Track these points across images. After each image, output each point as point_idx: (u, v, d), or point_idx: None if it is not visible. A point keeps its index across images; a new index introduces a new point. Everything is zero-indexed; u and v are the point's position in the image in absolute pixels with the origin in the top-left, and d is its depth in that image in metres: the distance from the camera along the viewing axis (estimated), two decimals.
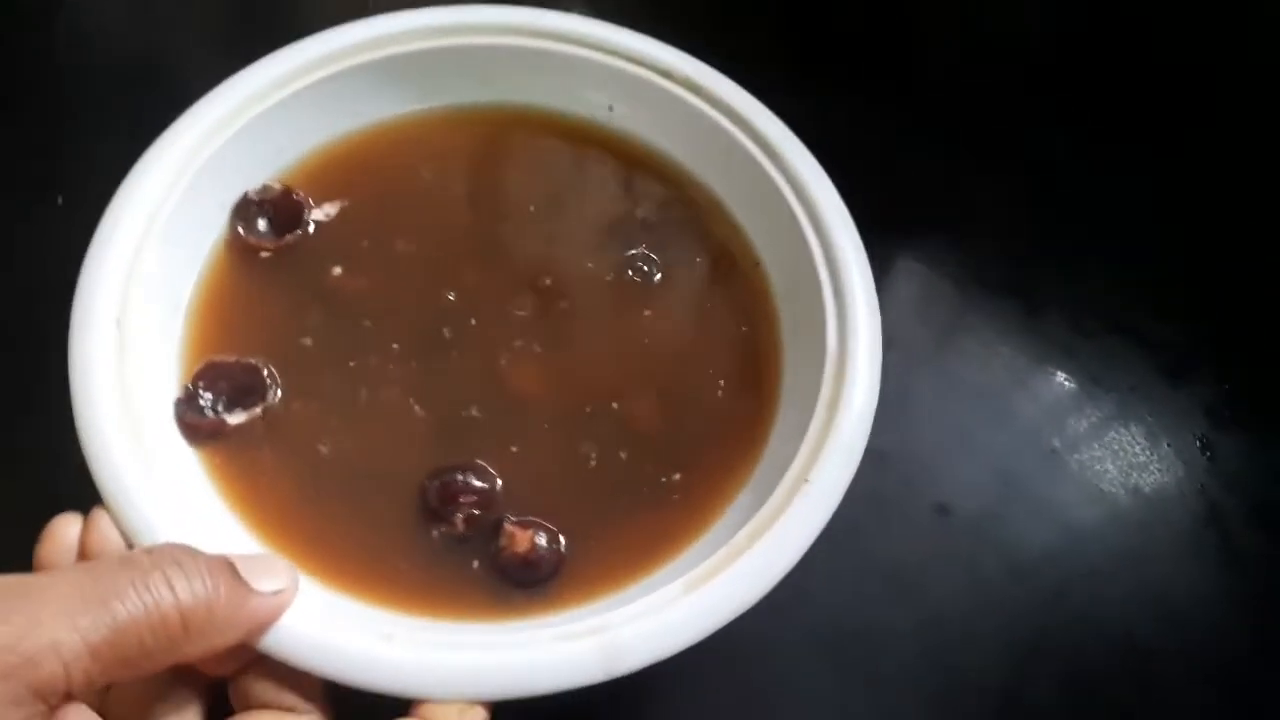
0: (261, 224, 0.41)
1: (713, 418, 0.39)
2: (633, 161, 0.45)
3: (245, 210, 0.41)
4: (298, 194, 0.42)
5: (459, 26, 0.44)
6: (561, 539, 0.35)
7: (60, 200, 0.48)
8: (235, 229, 0.41)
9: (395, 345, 0.39)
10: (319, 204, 0.42)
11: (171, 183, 0.38)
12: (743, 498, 0.37)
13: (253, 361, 0.38)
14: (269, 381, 0.38)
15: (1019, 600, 0.44)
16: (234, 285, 0.40)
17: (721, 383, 0.40)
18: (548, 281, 0.41)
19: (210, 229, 0.41)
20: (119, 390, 0.34)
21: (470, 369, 0.39)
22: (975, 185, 0.56)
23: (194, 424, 0.36)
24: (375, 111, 0.44)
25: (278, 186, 0.42)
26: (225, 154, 0.40)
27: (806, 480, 0.34)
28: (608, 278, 0.42)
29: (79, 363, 0.34)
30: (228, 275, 0.40)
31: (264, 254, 0.41)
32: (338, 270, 0.41)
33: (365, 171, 0.44)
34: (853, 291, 0.38)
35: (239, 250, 0.41)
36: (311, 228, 0.41)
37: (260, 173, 0.42)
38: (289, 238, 0.41)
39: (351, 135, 0.44)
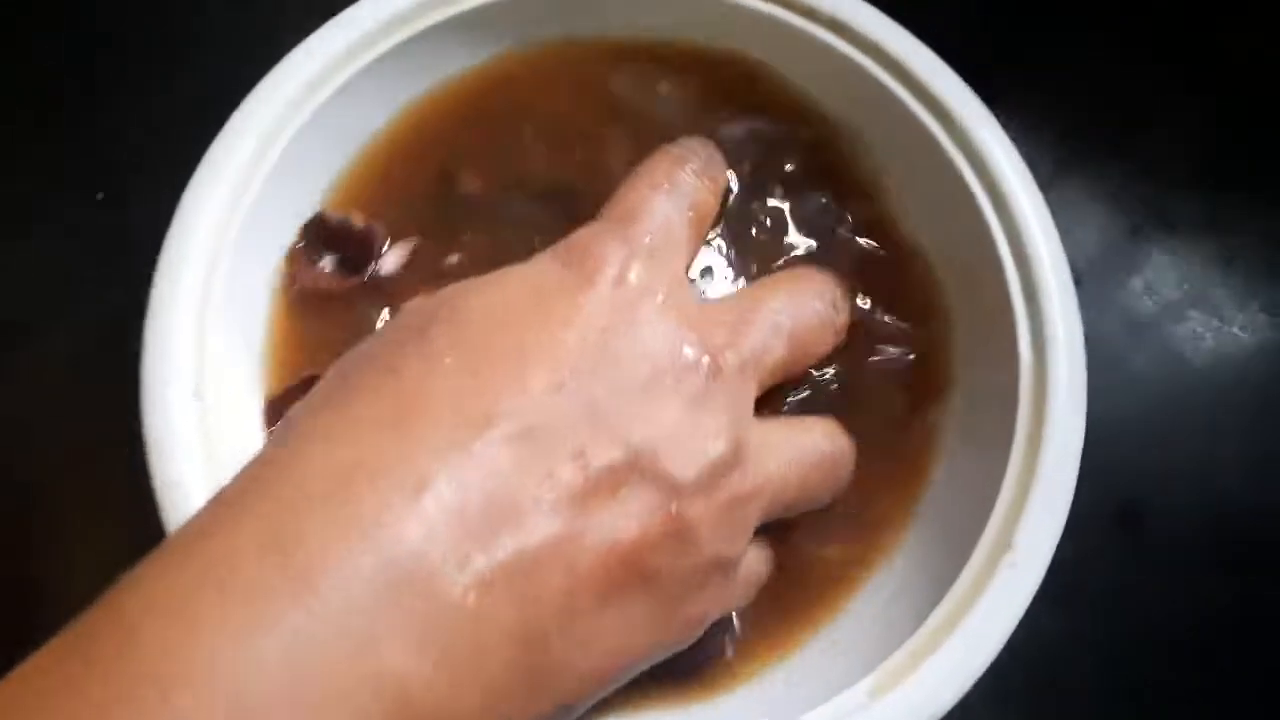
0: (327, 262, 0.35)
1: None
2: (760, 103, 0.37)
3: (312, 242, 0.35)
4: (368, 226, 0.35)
5: None
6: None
7: (100, 196, 0.42)
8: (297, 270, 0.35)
9: None
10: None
11: (227, 220, 0.32)
12: (906, 550, 0.32)
13: None
14: None
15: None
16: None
17: (870, 398, 0.34)
18: None
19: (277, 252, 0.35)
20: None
21: None
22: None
23: None
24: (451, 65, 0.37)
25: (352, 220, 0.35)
26: (284, 168, 0.34)
27: (1010, 546, 0.29)
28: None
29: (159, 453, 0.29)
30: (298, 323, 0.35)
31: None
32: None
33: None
34: (1049, 290, 0.31)
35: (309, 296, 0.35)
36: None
37: (326, 176, 0.36)
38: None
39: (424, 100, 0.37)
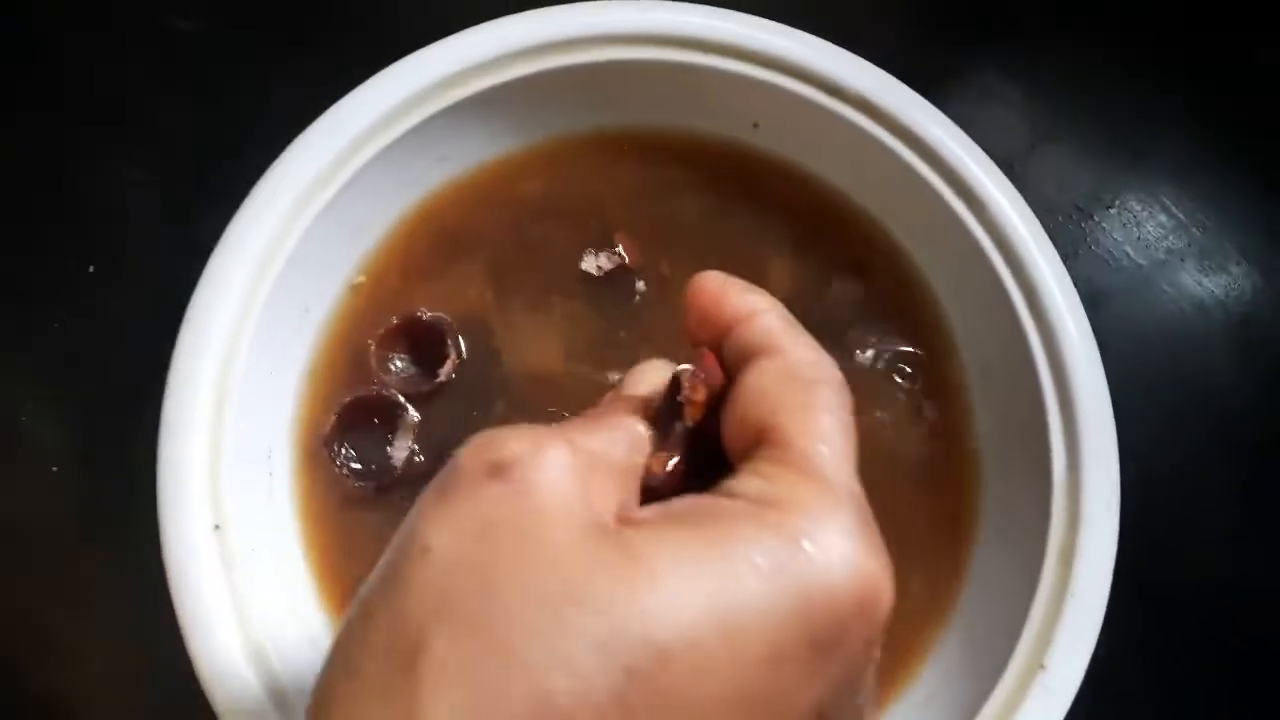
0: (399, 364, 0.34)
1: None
2: (782, 194, 0.36)
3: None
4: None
5: (560, 41, 0.34)
6: None
7: (92, 269, 0.40)
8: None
9: None
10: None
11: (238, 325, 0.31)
12: (934, 667, 0.32)
13: None
14: None
15: None
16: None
17: (898, 499, 0.34)
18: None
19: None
20: (233, 614, 0.29)
21: None
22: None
23: None
24: (465, 158, 0.36)
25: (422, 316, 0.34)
26: (296, 265, 0.32)
27: (1043, 667, 0.29)
28: None
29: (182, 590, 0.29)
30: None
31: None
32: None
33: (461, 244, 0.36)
34: (1084, 400, 0.31)
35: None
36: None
37: (344, 266, 0.35)
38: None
39: (436, 197, 0.36)
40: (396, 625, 0.17)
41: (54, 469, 0.38)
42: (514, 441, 0.18)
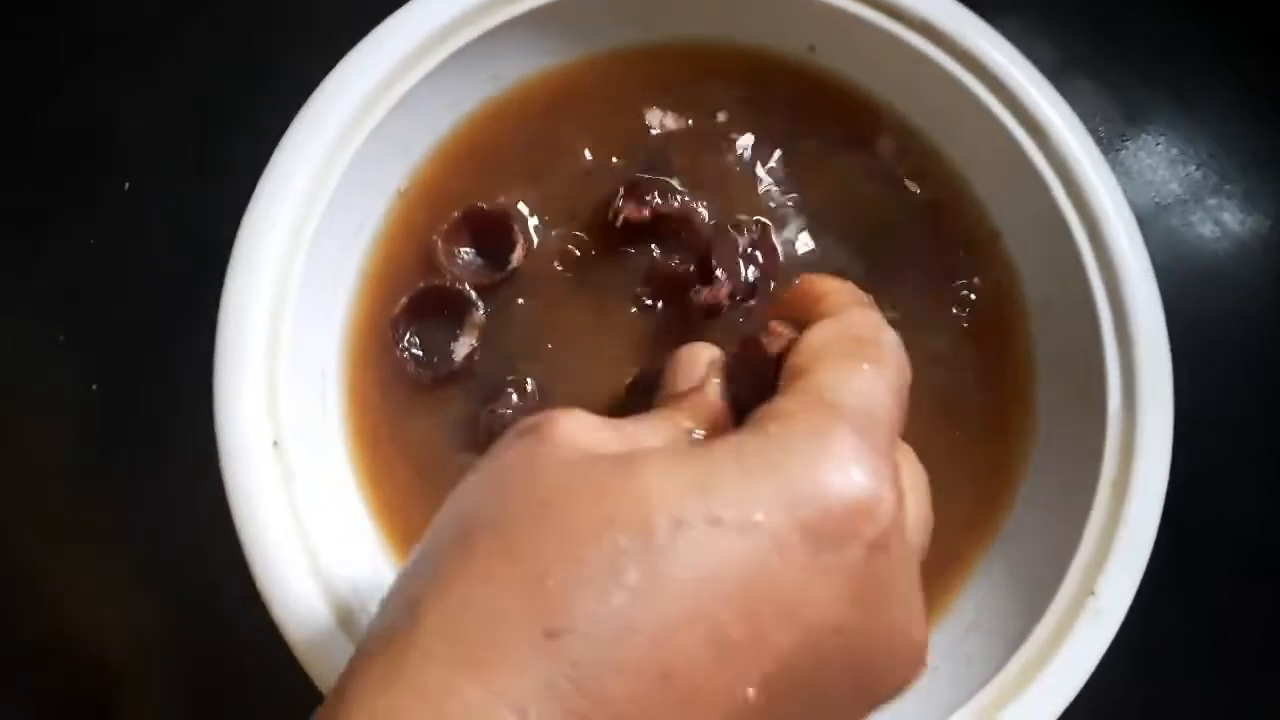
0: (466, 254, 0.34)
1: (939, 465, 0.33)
2: (845, 120, 0.35)
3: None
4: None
5: None
6: None
7: (127, 186, 0.40)
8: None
9: None
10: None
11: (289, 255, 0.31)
12: (984, 586, 0.33)
13: None
14: None
15: None
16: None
17: (954, 424, 0.34)
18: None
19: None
20: (295, 528, 0.29)
21: None
22: None
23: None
24: (516, 73, 0.35)
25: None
26: (347, 184, 0.32)
27: (1093, 593, 0.30)
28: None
29: (242, 503, 0.29)
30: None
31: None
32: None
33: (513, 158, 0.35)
34: (1144, 336, 0.31)
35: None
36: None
37: (393, 182, 0.34)
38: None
39: (493, 106, 0.35)
40: (425, 555, 0.20)
41: (93, 387, 0.38)
42: (541, 413, 0.21)
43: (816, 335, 0.22)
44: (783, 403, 0.20)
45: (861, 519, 0.18)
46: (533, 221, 0.34)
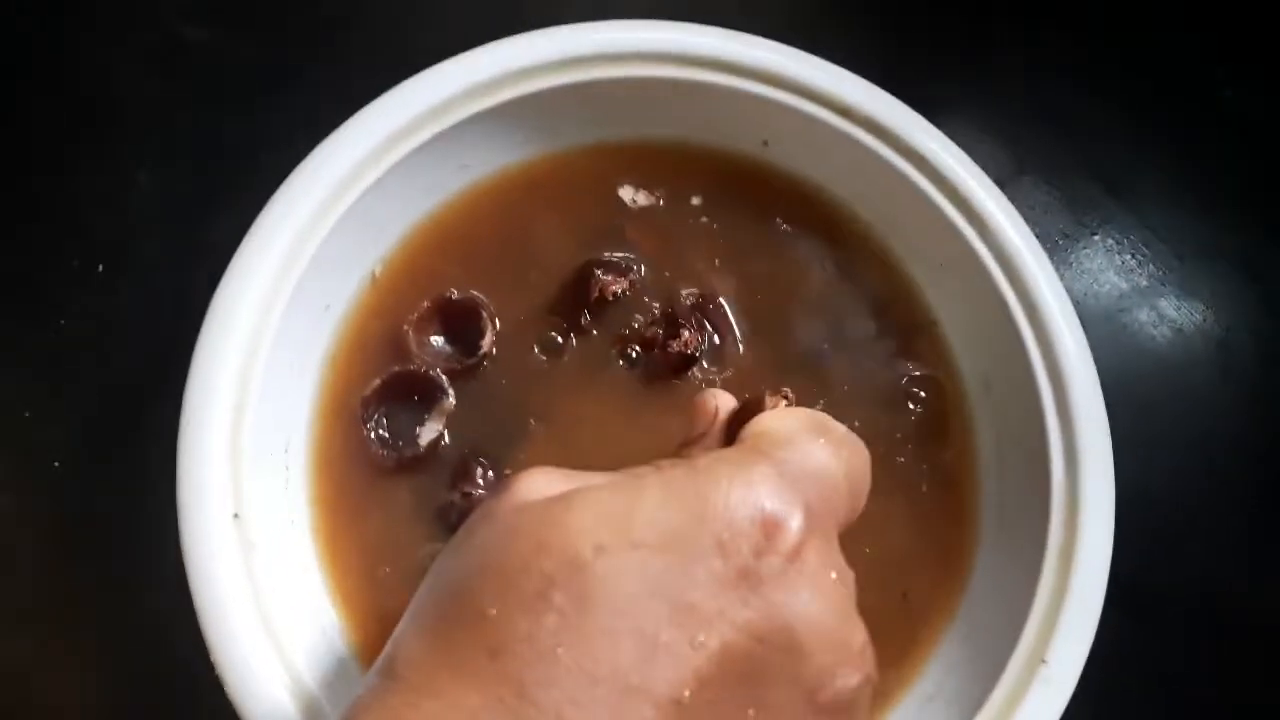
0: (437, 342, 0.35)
1: (892, 548, 0.34)
2: (795, 209, 0.37)
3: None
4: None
5: (577, 57, 0.35)
6: None
7: (100, 269, 0.41)
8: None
9: None
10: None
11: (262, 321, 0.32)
12: (939, 662, 0.33)
13: None
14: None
15: None
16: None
17: (903, 506, 0.35)
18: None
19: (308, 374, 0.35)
20: (251, 601, 0.29)
21: None
22: None
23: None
24: (485, 164, 0.37)
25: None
26: (322, 258, 0.33)
27: (1044, 661, 0.30)
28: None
29: (199, 571, 0.29)
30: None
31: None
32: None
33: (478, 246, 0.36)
34: (1081, 410, 0.33)
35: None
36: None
37: (364, 264, 0.35)
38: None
39: (464, 196, 0.37)
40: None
41: (55, 464, 0.38)
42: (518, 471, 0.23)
43: (780, 412, 0.24)
44: (721, 450, 0.22)
45: (772, 533, 0.20)
46: (502, 307, 0.36)
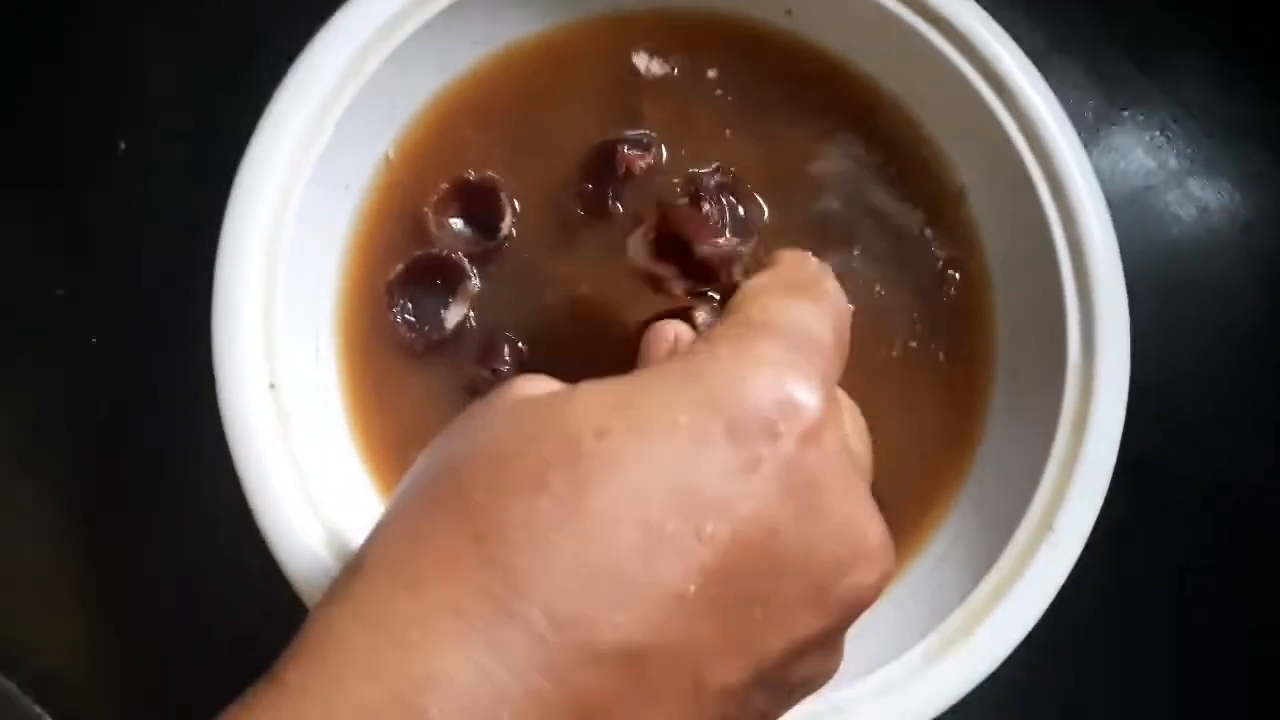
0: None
1: (908, 413, 0.35)
2: (819, 82, 0.37)
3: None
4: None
5: None
6: None
7: (123, 146, 0.41)
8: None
9: None
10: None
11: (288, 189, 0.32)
12: (953, 525, 0.34)
13: None
14: None
15: None
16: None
17: (920, 375, 0.35)
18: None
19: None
20: (290, 467, 0.30)
21: None
22: None
23: None
24: (497, 39, 0.36)
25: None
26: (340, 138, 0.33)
27: (1052, 529, 0.31)
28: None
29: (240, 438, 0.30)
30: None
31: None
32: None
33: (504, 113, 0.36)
34: (1103, 291, 0.33)
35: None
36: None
37: (380, 142, 0.35)
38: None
39: (479, 68, 0.36)
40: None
41: (93, 340, 0.39)
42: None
43: (756, 279, 0.23)
44: (711, 330, 0.21)
45: (786, 415, 0.19)
46: (520, 186, 0.35)
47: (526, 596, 0.17)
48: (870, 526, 0.20)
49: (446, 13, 0.34)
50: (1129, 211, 0.44)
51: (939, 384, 0.35)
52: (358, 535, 0.31)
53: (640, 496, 0.18)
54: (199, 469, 0.33)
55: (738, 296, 0.22)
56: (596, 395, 0.19)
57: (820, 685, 0.22)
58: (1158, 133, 0.46)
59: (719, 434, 0.18)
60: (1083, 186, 0.33)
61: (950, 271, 0.36)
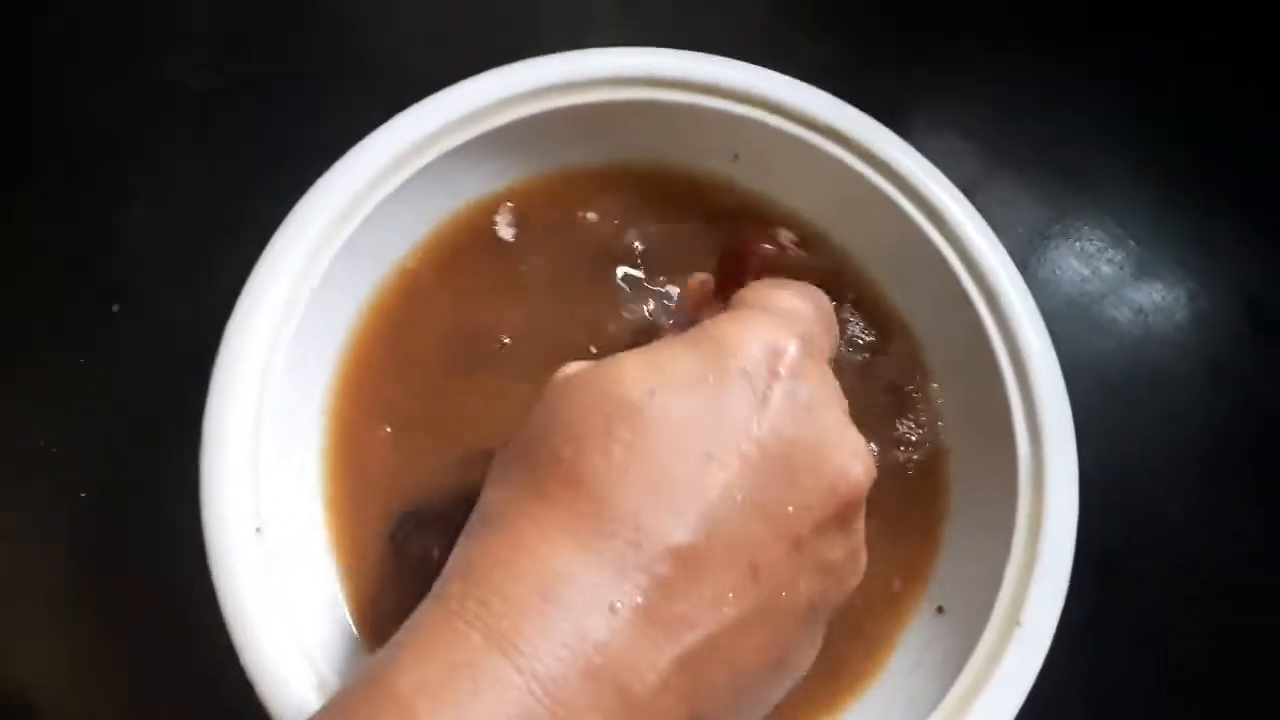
0: None
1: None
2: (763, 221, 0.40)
3: None
4: None
5: (560, 84, 0.37)
6: None
7: (116, 309, 0.43)
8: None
9: None
10: None
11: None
12: (921, 628, 0.35)
13: None
14: None
15: None
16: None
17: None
18: None
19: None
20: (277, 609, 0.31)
21: None
22: None
23: None
24: (473, 190, 0.39)
25: None
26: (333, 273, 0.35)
27: (1019, 623, 0.32)
28: None
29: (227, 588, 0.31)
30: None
31: None
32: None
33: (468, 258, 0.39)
34: (1043, 389, 0.35)
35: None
36: None
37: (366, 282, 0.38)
38: None
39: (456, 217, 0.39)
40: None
41: (82, 495, 0.40)
42: None
43: (755, 285, 0.30)
44: (720, 314, 0.27)
45: (777, 358, 0.25)
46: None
47: (617, 517, 0.23)
48: (850, 433, 0.26)
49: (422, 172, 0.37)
50: (1068, 316, 0.47)
51: (899, 496, 0.36)
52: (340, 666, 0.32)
53: (689, 432, 0.23)
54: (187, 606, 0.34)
55: (735, 297, 0.29)
56: (638, 363, 0.25)
57: (851, 578, 0.26)
58: (1088, 242, 0.49)
59: (736, 380, 0.24)
60: (1016, 299, 0.35)
61: (898, 394, 0.38)
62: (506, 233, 0.39)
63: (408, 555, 0.35)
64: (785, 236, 0.38)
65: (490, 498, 0.26)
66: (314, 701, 0.31)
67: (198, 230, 0.44)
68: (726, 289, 0.33)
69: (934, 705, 0.32)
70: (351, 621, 0.35)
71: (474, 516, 0.26)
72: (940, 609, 0.35)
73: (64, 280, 0.43)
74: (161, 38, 0.49)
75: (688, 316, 0.34)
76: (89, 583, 0.40)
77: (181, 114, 0.47)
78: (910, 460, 0.37)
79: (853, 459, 0.25)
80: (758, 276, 0.32)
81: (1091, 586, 0.35)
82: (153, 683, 0.39)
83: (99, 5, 0.49)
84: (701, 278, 0.34)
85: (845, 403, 0.26)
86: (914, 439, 0.37)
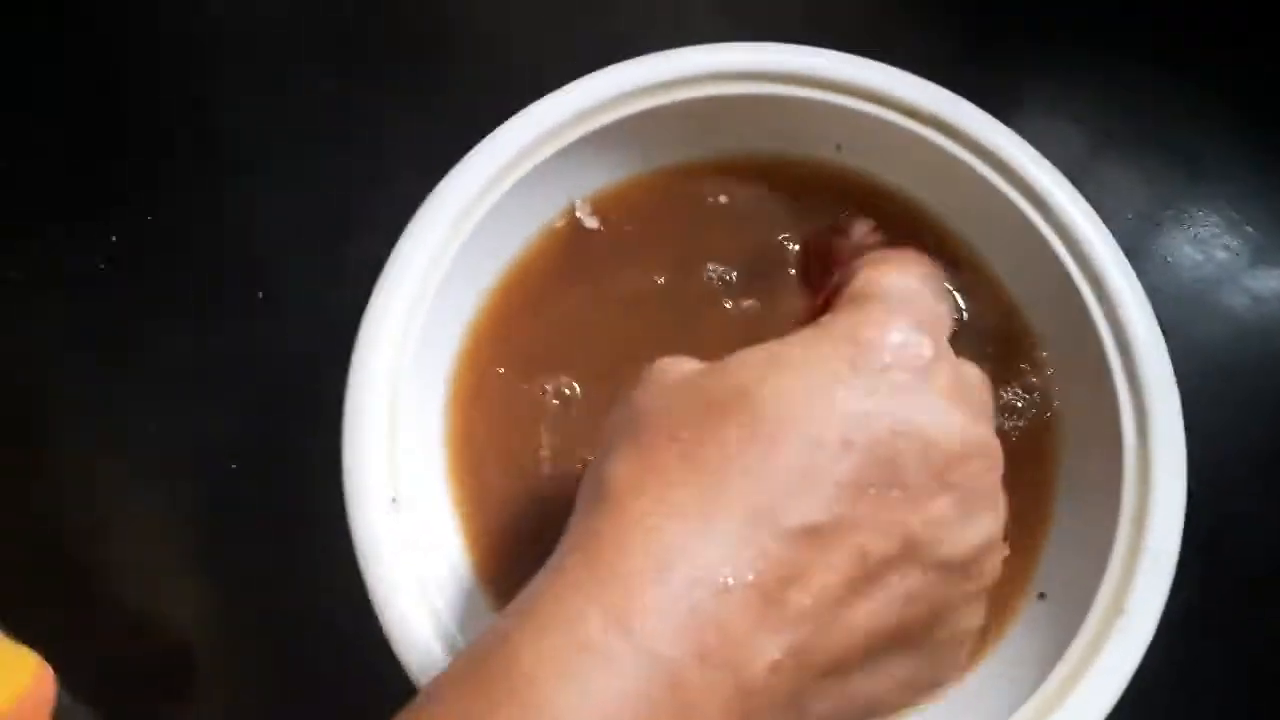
0: None
1: None
2: (870, 208, 0.40)
3: None
4: None
5: (671, 80, 0.39)
6: None
7: (260, 295, 0.47)
8: None
9: None
10: None
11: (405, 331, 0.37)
12: (1025, 617, 0.36)
13: None
14: None
15: None
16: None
17: None
18: None
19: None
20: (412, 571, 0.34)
21: None
22: None
23: None
24: (582, 189, 0.41)
25: None
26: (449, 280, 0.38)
27: (1123, 611, 0.33)
28: None
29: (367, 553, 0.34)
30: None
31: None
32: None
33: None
34: (1151, 377, 0.35)
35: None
36: None
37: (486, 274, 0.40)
38: None
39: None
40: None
41: (232, 466, 0.44)
42: None
43: (862, 276, 0.29)
44: (831, 308, 0.28)
45: (886, 349, 0.25)
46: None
47: (731, 498, 0.23)
48: (976, 428, 0.26)
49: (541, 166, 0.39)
50: (1182, 304, 0.46)
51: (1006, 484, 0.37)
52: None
53: (799, 420, 0.24)
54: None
55: (846, 288, 0.29)
56: (753, 357, 0.26)
57: (974, 580, 0.26)
58: (1202, 229, 0.48)
59: (846, 370, 0.25)
60: (1123, 284, 0.35)
61: (1009, 379, 0.38)
62: (613, 225, 0.41)
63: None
64: (864, 225, 0.38)
65: (605, 473, 0.26)
66: (441, 656, 0.33)
67: (336, 221, 0.47)
68: (811, 277, 0.34)
69: (1032, 690, 0.33)
70: (477, 585, 0.37)
71: (585, 489, 0.27)
72: (1042, 595, 0.36)
73: (214, 271, 0.47)
74: (295, 41, 0.52)
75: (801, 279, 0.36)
76: (239, 547, 0.44)
77: (316, 113, 0.50)
78: (1016, 428, 0.38)
79: (973, 458, 0.25)
80: (848, 260, 0.33)
81: (1190, 577, 0.35)
82: (298, 641, 0.42)
83: (241, 7, 0.53)
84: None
85: (988, 397, 0.27)
86: (1019, 405, 0.38)
